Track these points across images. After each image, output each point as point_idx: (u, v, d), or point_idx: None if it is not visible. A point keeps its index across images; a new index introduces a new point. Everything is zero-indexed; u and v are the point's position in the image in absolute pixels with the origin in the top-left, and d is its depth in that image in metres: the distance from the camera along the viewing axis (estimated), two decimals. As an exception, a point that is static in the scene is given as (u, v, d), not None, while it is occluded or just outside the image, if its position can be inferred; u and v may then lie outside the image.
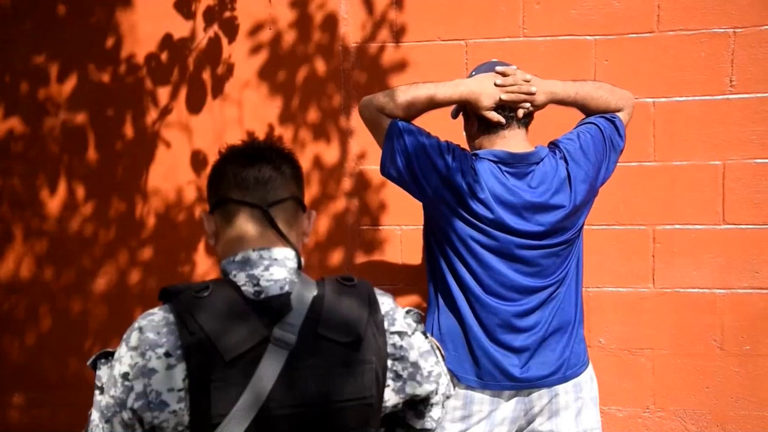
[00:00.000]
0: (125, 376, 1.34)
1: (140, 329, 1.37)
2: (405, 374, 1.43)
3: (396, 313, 1.46)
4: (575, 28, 3.19)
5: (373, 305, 1.40)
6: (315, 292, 1.38)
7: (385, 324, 1.41)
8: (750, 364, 3.19)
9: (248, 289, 1.37)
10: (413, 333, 1.47)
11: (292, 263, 1.41)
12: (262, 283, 1.37)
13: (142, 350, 1.34)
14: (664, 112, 3.15)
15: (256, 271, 1.38)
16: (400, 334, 1.43)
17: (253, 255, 1.39)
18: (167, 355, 1.32)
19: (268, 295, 1.36)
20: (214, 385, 1.29)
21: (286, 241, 1.42)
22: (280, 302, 1.35)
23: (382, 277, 3.28)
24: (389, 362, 1.41)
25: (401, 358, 1.42)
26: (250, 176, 1.42)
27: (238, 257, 1.40)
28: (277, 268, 1.39)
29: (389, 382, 1.42)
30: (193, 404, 1.30)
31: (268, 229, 1.42)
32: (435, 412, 1.54)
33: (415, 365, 1.43)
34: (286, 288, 1.38)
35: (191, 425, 1.31)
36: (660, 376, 3.24)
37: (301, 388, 1.33)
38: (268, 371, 1.31)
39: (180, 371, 1.31)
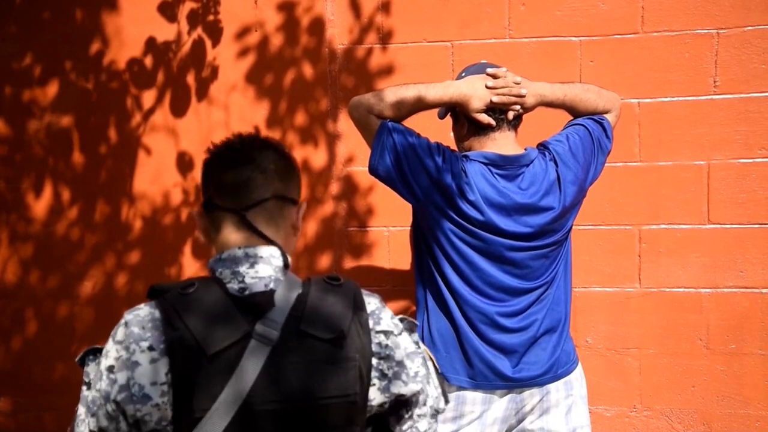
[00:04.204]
0: (110, 369, 1.36)
1: (126, 324, 1.39)
2: (390, 373, 1.41)
3: (382, 312, 1.45)
4: (561, 30, 3.21)
5: (358, 304, 1.40)
6: (300, 290, 1.40)
7: (370, 323, 1.41)
8: (735, 363, 3.21)
9: (233, 286, 1.38)
10: (400, 333, 1.45)
11: (278, 261, 1.42)
12: (247, 280, 1.39)
13: (126, 344, 1.36)
14: (649, 112, 3.17)
15: (242, 269, 1.39)
16: (386, 333, 1.42)
17: (239, 253, 1.41)
18: (150, 348, 1.34)
19: (252, 292, 1.38)
20: (197, 380, 1.31)
21: (268, 241, 1.43)
22: (264, 299, 1.37)
23: (370, 279, 3.28)
24: (374, 361, 1.40)
25: (386, 357, 1.41)
26: (229, 181, 1.44)
27: (224, 255, 1.42)
28: (263, 265, 1.40)
29: (374, 380, 1.41)
30: (176, 398, 1.31)
31: (251, 231, 1.43)
32: (422, 425, 1.47)
33: (401, 364, 1.42)
34: (271, 285, 1.39)
35: (174, 420, 1.32)
36: (646, 376, 3.26)
37: (283, 384, 1.33)
38: (250, 367, 1.32)
39: (163, 365, 1.32)
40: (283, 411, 1.34)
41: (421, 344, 1.51)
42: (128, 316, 1.40)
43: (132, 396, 1.32)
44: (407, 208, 2.34)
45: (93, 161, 3.57)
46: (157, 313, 1.37)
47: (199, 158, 3.64)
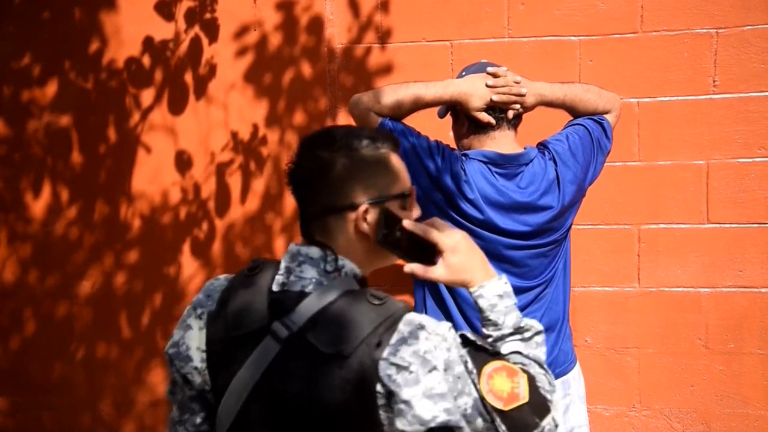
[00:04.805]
0: (177, 325, 1.48)
1: (203, 289, 1.48)
2: (395, 408, 1.30)
3: (410, 343, 1.30)
4: (560, 29, 3.20)
5: (386, 329, 1.31)
6: (332, 299, 1.36)
7: (385, 352, 1.29)
8: (734, 363, 3.21)
9: (279, 279, 1.40)
10: (429, 371, 1.29)
11: (329, 266, 1.40)
12: (291, 278, 1.39)
13: (191, 306, 1.46)
14: (649, 112, 3.17)
15: (292, 265, 1.41)
16: (399, 367, 1.29)
17: (294, 249, 1.43)
18: (200, 317, 1.43)
19: (287, 290, 1.38)
20: (222, 357, 1.39)
21: (322, 245, 1.41)
22: (291, 299, 1.37)
23: (369, 278, 3.27)
24: (379, 388, 1.30)
25: (391, 392, 1.29)
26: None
27: (290, 247, 1.44)
28: (308, 267, 1.40)
29: (381, 412, 1.32)
30: (209, 368, 1.40)
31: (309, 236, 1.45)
32: None
33: (407, 404, 1.28)
34: (310, 288, 1.37)
35: (212, 389, 1.41)
36: (646, 375, 3.26)
37: (283, 384, 1.34)
38: (260, 359, 1.35)
39: (205, 334, 1.42)
40: (281, 410, 1.35)
41: (486, 388, 1.32)
42: (208, 282, 1.50)
43: (179, 353, 1.43)
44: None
45: (92, 160, 3.56)
46: (226, 285, 1.45)
47: (198, 157, 3.66)
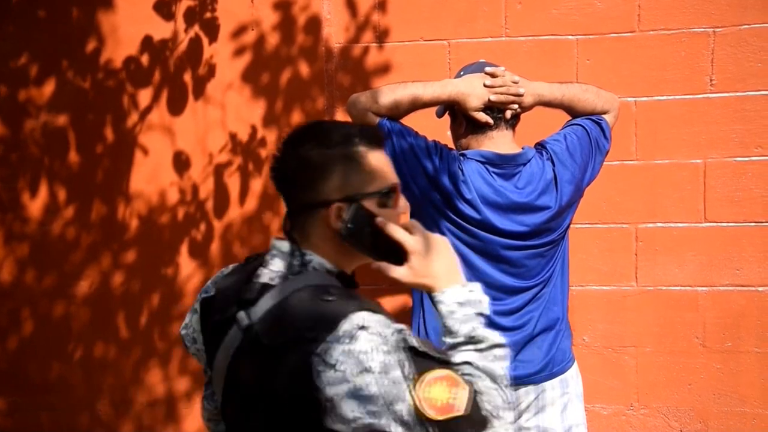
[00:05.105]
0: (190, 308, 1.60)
1: (213, 276, 1.57)
2: (323, 406, 1.29)
3: (343, 345, 1.28)
4: (557, 28, 3.21)
5: (326, 327, 1.30)
6: (289, 293, 1.37)
7: (318, 349, 1.28)
8: (732, 361, 3.22)
9: (259, 270, 1.44)
10: (361, 372, 1.26)
11: (296, 260, 1.42)
12: (264, 269, 1.43)
13: (200, 292, 1.56)
14: (646, 111, 3.17)
15: (268, 257, 1.45)
16: (327, 364, 1.28)
17: (272, 242, 1.48)
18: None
19: (257, 281, 1.42)
20: (210, 340, 1.47)
21: (292, 240, 1.45)
22: (254, 291, 1.40)
23: (367, 278, 3.25)
24: (312, 383, 1.29)
25: (317, 388, 1.29)
26: None
27: (272, 240, 1.48)
28: (278, 260, 1.43)
29: (316, 406, 1.31)
30: (206, 350, 1.50)
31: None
32: None
33: (331, 402, 1.27)
34: (276, 281, 1.40)
35: (210, 369, 1.48)
36: (643, 374, 3.27)
37: (241, 372, 1.39)
38: (228, 345, 1.41)
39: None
40: (240, 396, 1.41)
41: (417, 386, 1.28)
42: (219, 270, 1.58)
43: (188, 335, 1.56)
44: (404, 206, 2.34)
45: (89, 160, 3.56)
46: (226, 273, 1.54)
47: (196, 157, 3.66)
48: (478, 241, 2.21)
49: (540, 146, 2.34)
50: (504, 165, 2.23)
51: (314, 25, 3.37)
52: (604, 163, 2.44)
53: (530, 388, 2.29)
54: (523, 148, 2.29)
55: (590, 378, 3.03)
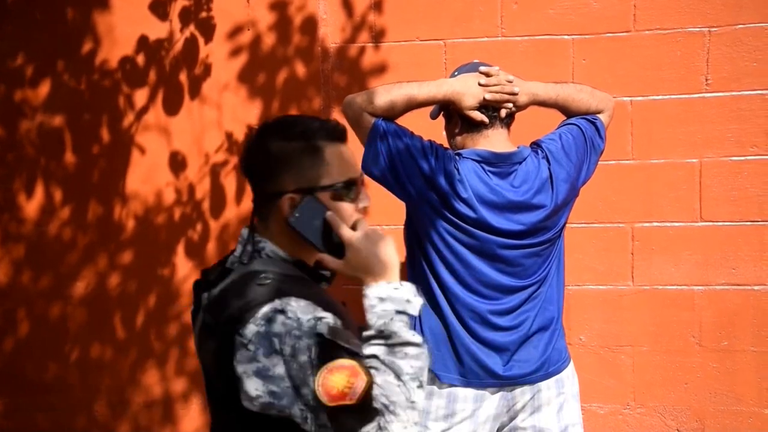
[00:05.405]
0: None
1: None
2: (235, 384, 1.36)
3: (258, 327, 1.35)
4: (553, 28, 3.21)
5: (251, 308, 1.37)
6: (235, 277, 1.45)
7: (239, 328, 1.36)
8: (728, 360, 3.22)
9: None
10: (271, 354, 1.33)
11: (250, 246, 1.50)
12: (231, 256, 1.53)
13: None
14: (642, 110, 3.18)
15: (238, 243, 1.55)
16: (242, 343, 1.35)
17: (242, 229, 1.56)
18: None
19: (221, 266, 1.52)
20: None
21: (252, 228, 1.52)
22: (218, 274, 1.50)
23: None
24: (230, 361, 1.37)
25: (233, 367, 1.36)
26: None
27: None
28: (239, 246, 1.53)
29: (232, 381, 1.39)
30: None
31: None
32: None
33: (240, 379, 1.35)
34: (235, 265, 1.49)
35: None
36: (640, 373, 3.27)
37: (201, 352, 1.48)
38: (197, 326, 1.50)
39: None
40: (204, 375, 1.49)
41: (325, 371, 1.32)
42: None
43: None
44: (401, 206, 2.34)
45: (85, 161, 3.56)
46: None
47: (192, 157, 3.65)
48: (475, 241, 2.22)
49: (535, 145, 2.34)
50: (500, 164, 2.23)
51: (310, 25, 3.37)
52: (600, 162, 2.44)
53: (526, 388, 2.29)
54: (518, 147, 2.29)
55: (587, 377, 3.03)
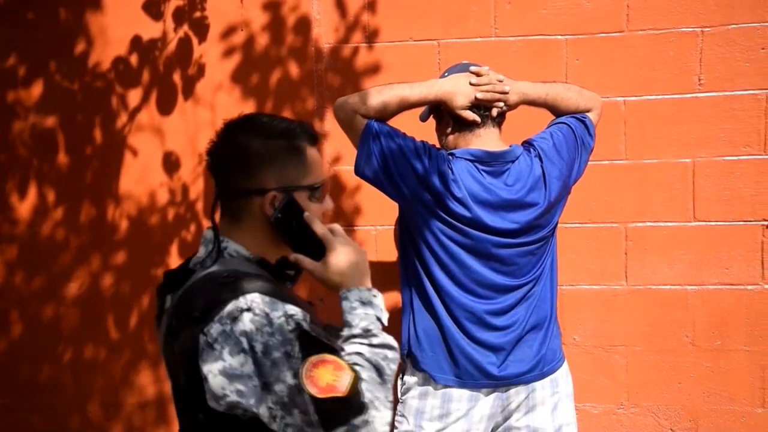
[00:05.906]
0: None
1: None
2: (202, 384, 1.36)
3: (223, 325, 1.34)
4: (546, 28, 3.21)
5: (215, 307, 1.36)
6: (198, 277, 1.45)
7: (203, 327, 1.35)
8: (721, 360, 3.23)
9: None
10: (238, 353, 1.33)
11: (214, 247, 1.50)
12: (194, 257, 1.53)
13: None
14: (635, 110, 3.18)
15: (201, 245, 1.54)
16: (207, 342, 1.34)
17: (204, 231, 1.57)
18: None
19: (185, 268, 1.51)
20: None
21: (215, 228, 1.51)
22: (177, 276, 1.50)
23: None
24: (196, 362, 1.36)
25: (198, 367, 1.35)
26: None
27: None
28: (202, 247, 1.52)
29: (198, 382, 1.39)
30: None
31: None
32: None
33: (206, 378, 1.34)
34: (198, 266, 1.49)
35: None
36: (633, 373, 3.28)
37: (166, 354, 1.48)
38: (162, 329, 1.49)
39: None
40: (170, 377, 1.48)
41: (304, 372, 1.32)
42: None
43: None
44: (394, 206, 2.35)
45: (78, 162, 3.55)
46: None
47: (186, 157, 3.64)
48: (470, 240, 2.22)
49: (527, 144, 2.36)
50: (493, 162, 2.24)
51: (304, 25, 3.37)
52: (593, 162, 2.45)
53: (521, 387, 2.30)
54: (510, 146, 2.30)
55: (580, 377, 3.04)
